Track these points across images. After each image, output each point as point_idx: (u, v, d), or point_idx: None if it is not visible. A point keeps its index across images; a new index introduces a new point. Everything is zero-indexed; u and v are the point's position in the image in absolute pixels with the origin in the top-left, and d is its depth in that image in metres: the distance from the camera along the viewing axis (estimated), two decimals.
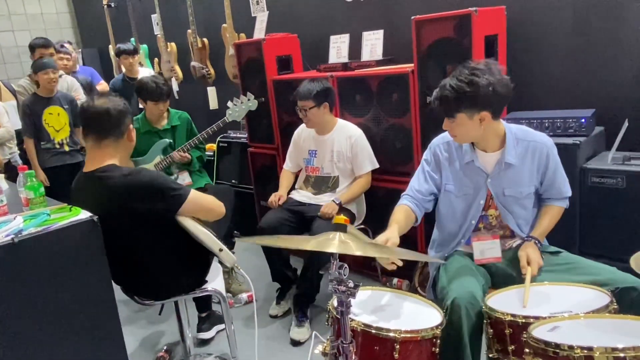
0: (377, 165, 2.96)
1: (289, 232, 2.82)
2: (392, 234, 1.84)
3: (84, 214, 1.88)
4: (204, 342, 2.80)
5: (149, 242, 2.08)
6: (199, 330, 2.82)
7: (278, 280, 2.97)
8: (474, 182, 1.99)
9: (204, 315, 2.82)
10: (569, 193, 2.04)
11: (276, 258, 2.87)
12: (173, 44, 5.15)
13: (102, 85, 4.94)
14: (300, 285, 2.81)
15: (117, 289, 2.04)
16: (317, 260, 2.63)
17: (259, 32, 3.95)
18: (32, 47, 4.19)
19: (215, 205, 2.16)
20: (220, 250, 2.10)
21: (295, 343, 2.68)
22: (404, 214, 2.00)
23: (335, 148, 2.95)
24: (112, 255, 1.91)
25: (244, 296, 3.15)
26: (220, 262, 2.77)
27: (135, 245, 2.07)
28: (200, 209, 2.10)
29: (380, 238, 1.81)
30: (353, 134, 2.93)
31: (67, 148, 3.78)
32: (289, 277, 2.96)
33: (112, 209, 1.93)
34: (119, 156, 2.05)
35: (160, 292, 2.18)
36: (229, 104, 3.36)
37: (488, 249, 1.96)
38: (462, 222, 2.04)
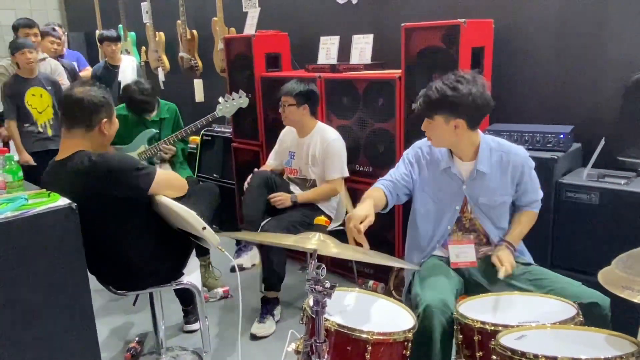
0: (345, 174, 2.92)
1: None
2: (369, 210, 1.85)
3: (62, 201, 1.86)
4: (177, 335, 2.80)
5: (122, 229, 2.06)
6: (187, 322, 2.84)
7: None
8: (450, 188, 2.04)
9: (189, 307, 2.83)
10: (541, 195, 2.10)
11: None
12: (162, 33, 5.11)
13: (87, 71, 4.88)
14: (264, 275, 2.77)
15: (91, 277, 2.02)
16: (270, 248, 2.62)
17: (250, 28, 3.95)
18: (16, 27, 4.12)
19: (180, 182, 2.19)
20: (204, 228, 2.04)
21: (253, 337, 2.70)
22: (376, 194, 2.01)
23: (310, 152, 2.95)
24: (86, 244, 1.88)
25: (219, 291, 3.15)
26: (198, 256, 2.78)
27: (109, 233, 2.05)
28: (168, 185, 2.11)
29: (359, 212, 1.81)
30: (328, 138, 2.90)
31: (50, 133, 3.73)
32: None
33: (83, 196, 1.89)
34: (89, 145, 2.04)
35: (136, 281, 2.17)
36: (220, 99, 3.35)
37: (463, 253, 2.01)
38: (437, 226, 2.08)
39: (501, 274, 1.87)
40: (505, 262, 1.90)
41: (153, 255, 2.15)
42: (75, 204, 1.82)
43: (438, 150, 2.06)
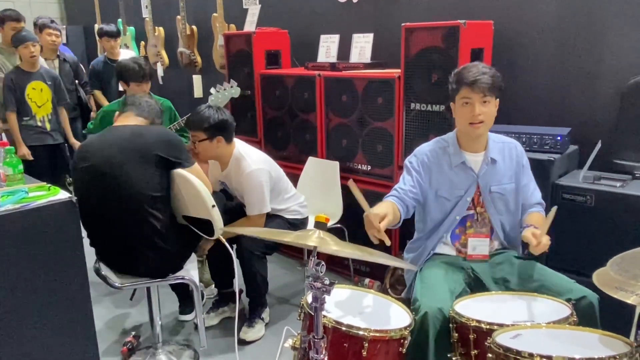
0: (263, 211, 2.61)
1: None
2: (387, 209, 1.85)
3: (62, 194, 1.88)
4: (173, 330, 2.81)
5: (151, 197, 2.15)
6: (182, 312, 2.87)
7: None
8: (464, 181, 2.07)
9: (186, 299, 2.85)
10: (543, 202, 2.16)
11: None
12: (161, 28, 5.11)
13: None
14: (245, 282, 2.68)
15: (89, 271, 2.03)
16: (249, 248, 2.53)
17: (250, 25, 3.96)
18: (2, 20, 4.05)
19: (206, 180, 2.34)
20: (213, 206, 2.16)
21: (241, 342, 2.59)
22: (391, 206, 1.99)
23: (233, 185, 2.72)
24: (108, 206, 2.10)
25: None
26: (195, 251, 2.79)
27: (135, 198, 2.12)
28: (198, 176, 2.28)
29: (376, 211, 1.81)
30: (243, 170, 2.59)
31: (48, 127, 3.73)
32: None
33: (135, 150, 2.14)
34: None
35: (140, 261, 2.18)
36: (212, 90, 3.36)
37: (479, 246, 2.07)
38: (447, 217, 2.10)
39: (534, 243, 1.82)
40: (541, 237, 1.82)
41: (167, 234, 2.20)
42: (76, 198, 1.84)
43: (442, 149, 2.10)
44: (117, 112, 2.46)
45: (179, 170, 2.21)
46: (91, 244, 2.25)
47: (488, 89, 1.93)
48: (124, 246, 2.18)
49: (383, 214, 1.82)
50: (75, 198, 1.84)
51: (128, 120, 2.34)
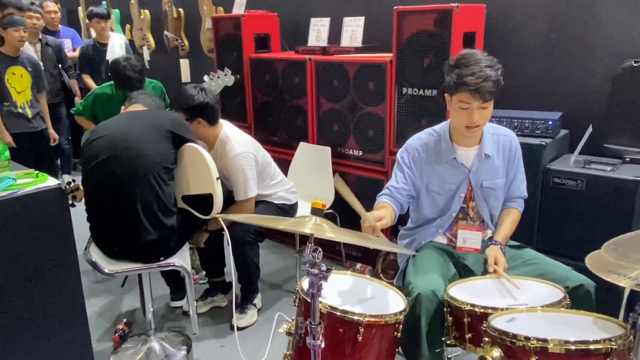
0: (249, 195, 2.57)
1: None
2: (385, 213, 1.84)
3: (50, 181, 1.84)
4: (165, 317, 2.80)
5: (163, 175, 2.21)
6: (174, 299, 2.86)
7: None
8: (455, 177, 2.03)
9: (176, 285, 2.86)
10: (526, 194, 2.14)
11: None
12: (147, 11, 5.01)
13: (76, 53, 4.76)
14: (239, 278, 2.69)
15: (80, 260, 2.01)
16: (240, 234, 2.52)
17: (239, 8, 3.89)
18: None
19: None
20: (217, 179, 2.28)
21: (232, 328, 2.60)
22: (389, 209, 1.97)
23: (220, 167, 2.57)
24: (110, 182, 2.11)
25: None
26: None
27: (146, 164, 2.17)
28: None
29: (375, 214, 1.81)
30: (228, 154, 2.56)
31: (30, 114, 3.65)
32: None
33: (152, 125, 2.26)
34: None
35: (138, 233, 2.16)
36: (205, 77, 3.31)
37: (470, 239, 2.04)
38: (442, 215, 2.08)
39: (490, 270, 1.88)
40: (500, 264, 1.89)
41: (169, 210, 2.23)
42: (65, 184, 1.81)
43: (434, 144, 2.04)
44: (123, 106, 2.56)
45: (189, 143, 2.33)
46: (89, 219, 2.23)
47: (489, 94, 1.79)
48: (128, 214, 2.14)
49: (379, 216, 1.80)
50: (65, 185, 1.81)
51: (136, 108, 2.48)
